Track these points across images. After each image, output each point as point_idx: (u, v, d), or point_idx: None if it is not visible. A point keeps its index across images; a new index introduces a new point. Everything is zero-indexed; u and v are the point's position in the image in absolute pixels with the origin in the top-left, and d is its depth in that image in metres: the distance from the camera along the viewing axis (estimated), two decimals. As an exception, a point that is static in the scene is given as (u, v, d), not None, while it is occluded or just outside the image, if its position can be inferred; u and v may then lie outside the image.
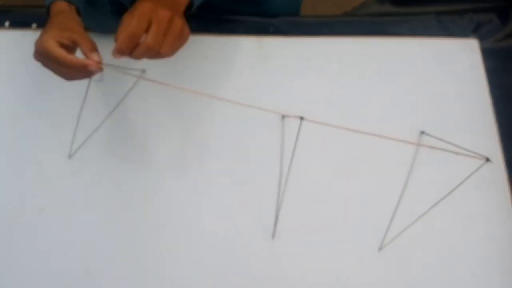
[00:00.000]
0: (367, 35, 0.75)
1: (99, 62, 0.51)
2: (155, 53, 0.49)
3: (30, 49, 0.66)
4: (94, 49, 0.52)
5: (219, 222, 0.63)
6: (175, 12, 0.50)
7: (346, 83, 0.71)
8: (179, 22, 0.49)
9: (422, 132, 0.67)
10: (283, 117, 0.67)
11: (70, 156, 0.66)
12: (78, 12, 0.57)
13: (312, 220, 0.63)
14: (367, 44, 0.75)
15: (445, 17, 0.76)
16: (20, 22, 0.74)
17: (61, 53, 0.50)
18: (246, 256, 0.61)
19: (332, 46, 0.74)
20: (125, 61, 0.51)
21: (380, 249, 0.61)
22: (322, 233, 0.62)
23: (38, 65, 0.69)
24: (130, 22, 0.48)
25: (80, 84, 0.60)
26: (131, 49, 0.49)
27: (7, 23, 0.74)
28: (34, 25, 0.73)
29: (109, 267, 0.61)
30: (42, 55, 0.51)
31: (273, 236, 0.62)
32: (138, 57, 0.50)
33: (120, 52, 0.49)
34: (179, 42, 0.51)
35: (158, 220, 0.63)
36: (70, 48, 0.52)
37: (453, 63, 0.73)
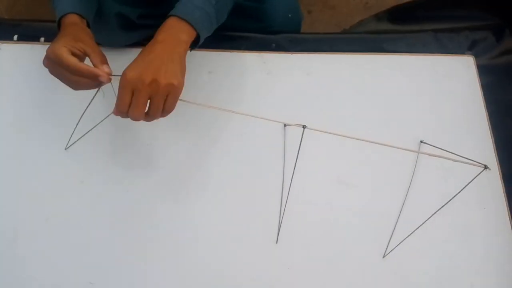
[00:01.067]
0: (366, 52, 0.77)
1: (109, 74, 0.53)
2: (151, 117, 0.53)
3: (38, 62, 0.68)
4: (105, 61, 0.54)
5: (225, 228, 0.64)
6: (160, 68, 0.51)
7: (345, 97, 0.73)
8: (161, 83, 0.51)
9: (422, 141, 0.68)
10: (285, 125, 0.69)
11: (66, 148, 0.67)
12: (89, 26, 0.59)
13: (314, 226, 0.64)
14: (365, 60, 0.77)
15: (442, 35, 0.79)
16: (28, 36, 0.76)
17: (73, 60, 0.51)
18: (251, 260, 0.62)
19: (331, 62, 0.76)
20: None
21: (383, 256, 0.62)
22: (324, 238, 0.63)
23: (45, 78, 0.70)
24: (117, 96, 0.51)
25: (86, 97, 0.62)
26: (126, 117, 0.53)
27: (15, 37, 0.76)
28: (42, 39, 0.75)
29: (114, 275, 0.61)
30: (53, 62, 0.52)
31: (276, 241, 0.63)
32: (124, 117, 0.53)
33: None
34: (168, 99, 0.52)
35: (164, 226, 0.64)
36: (81, 58, 0.53)
37: (450, 79, 0.75)
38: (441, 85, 0.75)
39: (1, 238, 0.63)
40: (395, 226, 0.63)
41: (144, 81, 0.50)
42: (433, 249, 0.63)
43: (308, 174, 0.67)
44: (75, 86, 0.54)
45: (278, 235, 0.63)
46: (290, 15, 0.78)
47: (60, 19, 0.57)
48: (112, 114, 0.53)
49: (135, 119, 0.52)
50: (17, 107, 0.71)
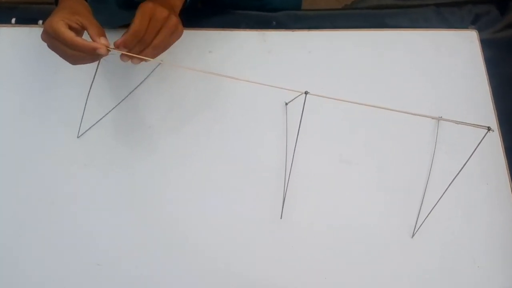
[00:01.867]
0: (367, 28, 0.77)
1: (107, 46, 0.53)
2: (148, 44, 0.55)
3: (37, 45, 0.68)
4: (102, 34, 0.54)
5: (230, 205, 0.64)
6: (171, 11, 0.57)
7: (348, 74, 0.73)
8: (174, 20, 0.56)
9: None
10: (286, 104, 0.69)
11: (79, 137, 0.68)
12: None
13: (319, 201, 0.65)
14: (367, 36, 0.76)
15: (444, 9, 0.78)
16: (26, 18, 0.75)
17: (70, 34, 0.51)
18: (257, 235, 0.63)
19: (333, 39, 0.76)
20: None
21: (412, 236, 0.64)
22: (329, 213, 0.64)
23: (45, 60, 0.70)
24: (134, 21, 0.54)
25: (86, 79, 0.61)
26: (133, 45, 0.54)
27: (13, 20, 0.75)
28: (40, 22, 0.74)
29: (122, 256, 0.62)
30: (51, 36, 0.52)
31: (281, 216, 0.64)
32: (130, 47, 0.55)
33: (123, 44, 0.54)
34: (172, 36, 0.58)
35: (169, 208, 0.64)
36: (78, 31, 0.53)
37: (453, 54, 0.75)
38: (444, 59, 0.74)
39: (8, 222, 0.64)
40: (422, 201, 0.65)
41: (162, 12, 0.55)
42: (437, 224, 0.64)
43: (312, 148, 0.67)
44: (73, 60, 0.54)
45: (282, 210, 0.64)
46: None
47: None
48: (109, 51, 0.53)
49: (144, 48, 0.55)
50: (17, 92, 0.71)
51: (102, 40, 0.53)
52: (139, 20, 0.54)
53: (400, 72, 0.73)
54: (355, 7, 0.87)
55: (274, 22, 0.76)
